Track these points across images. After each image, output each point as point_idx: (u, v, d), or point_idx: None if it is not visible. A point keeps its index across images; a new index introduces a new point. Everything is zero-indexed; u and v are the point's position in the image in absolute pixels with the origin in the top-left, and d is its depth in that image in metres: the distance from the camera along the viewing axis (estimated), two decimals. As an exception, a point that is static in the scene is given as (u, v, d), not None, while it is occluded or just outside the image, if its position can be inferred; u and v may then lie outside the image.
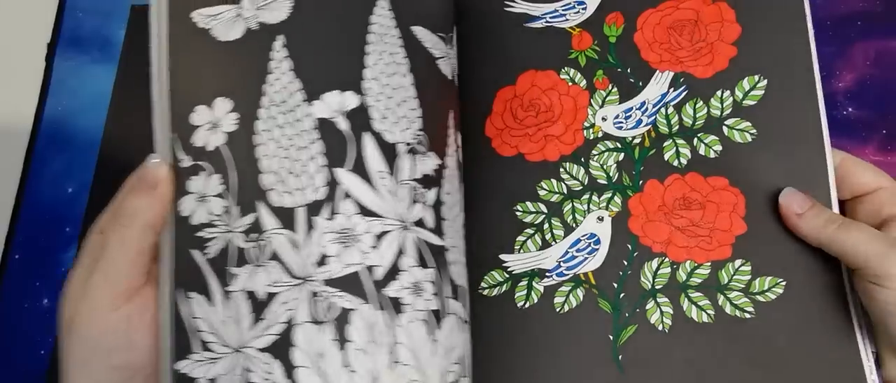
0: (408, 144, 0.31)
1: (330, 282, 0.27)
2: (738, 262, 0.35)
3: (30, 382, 0.41)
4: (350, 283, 0.28)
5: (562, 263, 0.36)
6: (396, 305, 0.28)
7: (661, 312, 0.35)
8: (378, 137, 0.30)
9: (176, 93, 0.30)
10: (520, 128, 0.39)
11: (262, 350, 0.26)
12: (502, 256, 0.36)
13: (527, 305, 0.36)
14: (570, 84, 0.39)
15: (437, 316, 0.29)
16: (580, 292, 0.36)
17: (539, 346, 0.35)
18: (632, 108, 0.39)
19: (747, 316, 0.34)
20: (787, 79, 0.37)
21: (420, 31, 0.33)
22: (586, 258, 0.37)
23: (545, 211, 0.37)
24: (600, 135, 0.39)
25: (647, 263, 0.36)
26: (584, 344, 0.35)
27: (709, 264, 0.35)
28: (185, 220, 0.28)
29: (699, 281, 0.35)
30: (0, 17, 0.41)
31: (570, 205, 0.37)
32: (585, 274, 0.36)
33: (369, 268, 0.28)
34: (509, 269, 0.36)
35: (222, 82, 0.29)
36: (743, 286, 0.35)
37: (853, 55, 0.40)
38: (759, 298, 0.35)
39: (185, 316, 0.27)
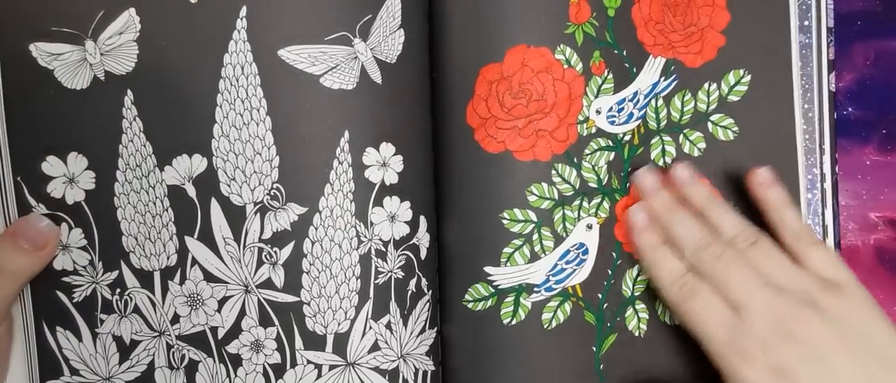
0: (257, 204, 0.31)
1: (181, 338, 0.31)
2: None
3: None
4: (197, 340, 0.31)
5: (551, 277, 0.34)
6: (236, 360, 0.31)
7: (639, 318, 0.35)
8: (225, 202, 0.30)
9: (17, 134, 0.30)
10: (508, 118, 0.33)
11: (129, 382, 0.31)
12: (487, 269, 0.33)
13: (513, 322, 0.33)
14: (566, 66, 0.33)
15: (280, 368, 0.31)
16: (567, 306, 0.34)
17: (524, 363, 0.33)
18: (624, 100, 0.34)
19: None
20: (768, 76, 0.35)
21: (291, 53, 0.30)
22: (575, 270, 0.34)
23: (535, 219, 0.33)
24: (593, 130, 0.34)
25: (629, 271, 0.35)
26: (570, 358, 0.34)
27: None
28: (49, 264, 0.31)
29: None
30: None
31: (561, 212, 0.34)
32: (574, 287, 0.34)
33: (213, 329, 0.31)
34: (495, 284, 0.33)
35: (74, 136, 0.30)
36: None
37: (853, 55, 0.39)
38: None
39: (53, 346, 0.31)
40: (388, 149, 0.32)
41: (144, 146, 0.30)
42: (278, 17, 0.30)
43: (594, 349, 0.34)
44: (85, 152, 0.30)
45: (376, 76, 0.31)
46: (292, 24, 0.30)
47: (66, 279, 0.31)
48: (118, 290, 0.31)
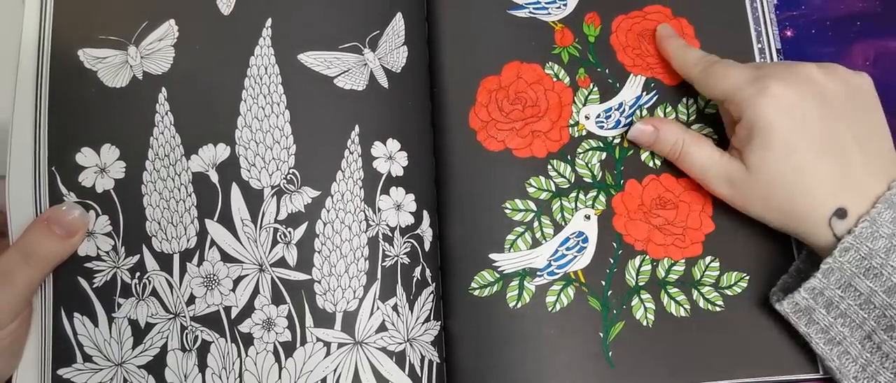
0: (274, 187, 0.34)
1: (195, 319, 0.33)
2: (708, 259, 0.37)
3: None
4: (211, 320, 0.32)
5: (552, 262, 0.36)
6: (247, 339, 0.32)
7: (645, 308, 0.36)
8: (245, 186, 0.33)
9: (57, 127, 0.33)
10: (506, 121, 0.38)
11: (140, 366, 0.32)
12: (492, 256, 0.36)
13: (519, 305, 0.36)
14: (555, 79, 0.39)
15: (290, 346, 0.32)
16: (571, 290, 0.36)
17: (532, 345, 0.35)
18: (611, 108, 0.39)
19: (718, 308, 0.36)
20: None
21: (309, 57, 0.34)
22: (576, 256, 0.37)
23: (534, 209, 0.37)
24: (584, 132, 0.39)
25: (631, 261, 0.37)
26: (576, 342, 0.35)
27: (683, 261, 0.37)
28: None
29: (675, 277, 0.37)
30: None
31: (559, 202, 0.37)
32: (575, 272, 0.37)
33: (227, 308, 0.33)
34: (500, 269, 0.36)
35: (109, 129, 0.33)
36: (713, 281, 0.37)
37: (853, 55, 0.40)
38: (728, 292, 0.37)
39: (69, 332, 0.33)
40: (394, 144, 0.35)
41: (174, 137, 0.34)
42: (299, 28, 0.34)
43: (601, 335, 0.36)
44: (118, 144, 0.34)
45: (383, 81, 0.35)
46: (310, 34, 0.34)
47: (88, 265, 0.33)
48: (137, 274, 0.33)
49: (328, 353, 0.33)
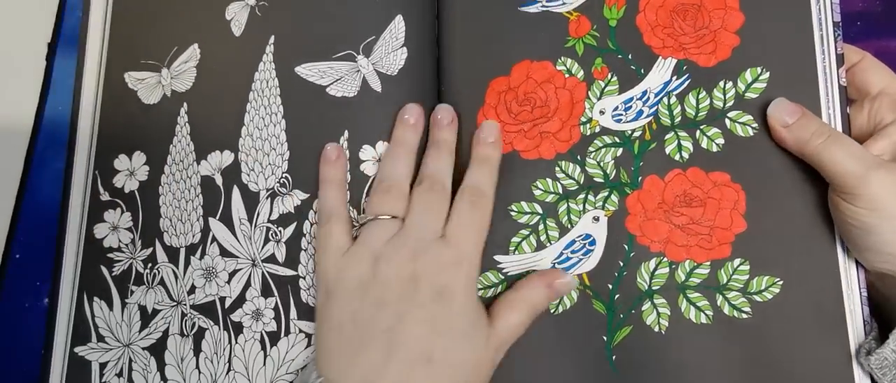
0: (269, 190, 0.37)
1: (194, 307, 0.36)
2: (737, 262, 0.34)
3: (29, 382, 0.41)
4: (207, 309, 0.35)
5: (557, 265, 0.36)
6: (238, 328, 0.35)
7: (658, 313, 0.35)
8: (245, 188, 0.36)
9: (102, 137, 0.39)
10: (514, 123, 0.37)
11: (144, 348, 0.36)
12: (497, 257, 0.36)
13: None
14: (567, 76, 0.37)
15: (275, 335, 0.35)
16: (574, 293, 0.35)
17: (533, 347, 0.35)
18: (632, 98, 0.37)
19: (744, 316, 0.34)
20: (790, 72, 0.35)
21: (305, 69, 0.37)
22: (581, 259, 0.36)
23: (540, 211, 0.36)
24: (598, 129, 0.37)
25: (645, 263, 0.35)
26: (578, 345, 0.35)
27: (708, 263, 0.35)
28: (99, 242, 0.37)
29: (698, 281, 0.35)
30: (0, 17, 0.43)
31: (566, 205, 0.36)
32: (580, 275, 0.35)
33: (222, 299, 0.36)
34: (504, 271, 0.36)
35: (141, 139, 0.38)
36: (741, 286, 0.34)
37: None
38: (757, 298, 0.34)
39: (88, 314, 0.37)
40: (383, 147, 0.37)
41: (188, 145, 0.38)
42: (297, 42, 0.37)
43: (605, 338, 0.34)
44: (145, 151, 0.38)
45: (376, 85, 0.37)
46: (307, 47, 0.37)
47: (110, 255, 0.38)
48: (150, 265, 0.37)
49: (310, 344, 0.35)
